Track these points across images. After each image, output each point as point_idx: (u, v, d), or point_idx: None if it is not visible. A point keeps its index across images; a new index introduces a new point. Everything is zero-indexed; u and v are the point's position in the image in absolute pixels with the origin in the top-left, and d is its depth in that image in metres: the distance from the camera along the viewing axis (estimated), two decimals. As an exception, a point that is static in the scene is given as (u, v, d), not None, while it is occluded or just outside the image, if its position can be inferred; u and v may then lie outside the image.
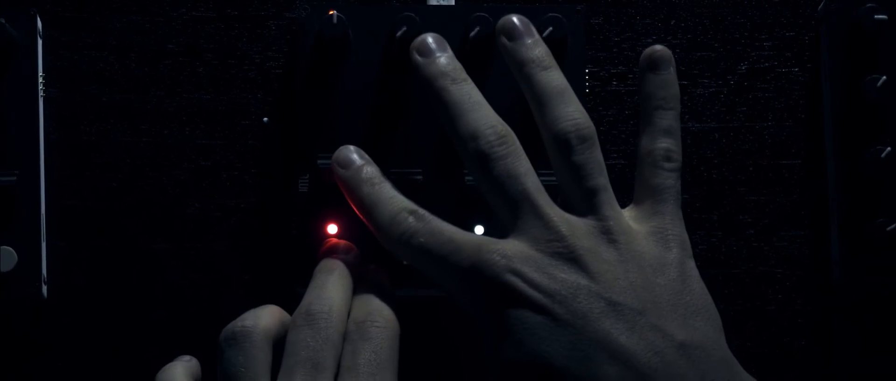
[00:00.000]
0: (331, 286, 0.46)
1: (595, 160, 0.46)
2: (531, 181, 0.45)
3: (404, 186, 0.51)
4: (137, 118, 0.56)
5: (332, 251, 0.49)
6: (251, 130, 0.56)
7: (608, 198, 0.45)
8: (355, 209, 0.48)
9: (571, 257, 0.43)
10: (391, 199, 0.47)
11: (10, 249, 0.52)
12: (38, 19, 0.53)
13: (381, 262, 0.51)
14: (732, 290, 0.56)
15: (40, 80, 0.53)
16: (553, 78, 0.47)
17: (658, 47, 0.49)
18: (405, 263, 0.47)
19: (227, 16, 0.56)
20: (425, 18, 0.52)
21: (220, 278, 0.56)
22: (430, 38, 0.48)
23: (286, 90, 0.56)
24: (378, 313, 0.45)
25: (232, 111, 0.56)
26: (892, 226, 0.52)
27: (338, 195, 0.51)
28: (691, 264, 0.46)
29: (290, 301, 0.49)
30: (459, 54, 0.52)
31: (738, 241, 0.57)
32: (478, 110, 0.46)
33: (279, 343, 0.45)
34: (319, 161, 0.51)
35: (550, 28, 0.52)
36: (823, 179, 0.56)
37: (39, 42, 0.53)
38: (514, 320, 0.43)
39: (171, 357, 0.48)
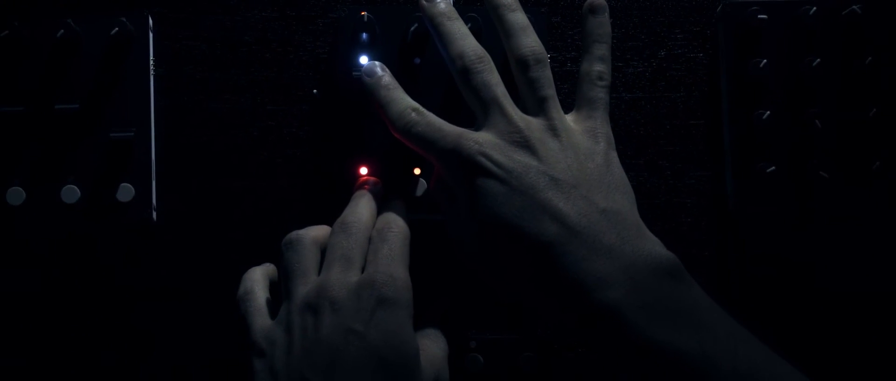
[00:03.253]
0: (361, 206, 0.52)
1: (546, 76, 0.51)
2: (500, 90, 0.51)
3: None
4: (222, 90, 0.62)
5: (364, 184, 0.55)
6: (305, 99, 0.62)
7: (555, 104, 0.51)
8: (375, 107, 0.53)
9: (526, 145, 0.49)
10: (401, 99, 0.52)
11: (130, 185, 0.59)
12: (150, 19, 0.60)
13: (398, 193, 0.57)
14: (655, 215, 0.62)
15: (151, 62, 0.60)
16: (518, 17, 0.53)
17: None
18: (410, 147, 0.52)
19: (287, 15, 0.63)
20: None
21: (282, 207, 0.61)
22: None
23: (330, 69, 0.62)
24: (394, 222, 0.50)
25: (290, 85, 0.62)
26: (771, 168, 0.60)
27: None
28: (614, 154, 0.51)
29: (329, 223, 0.54)
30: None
31: (659, 179, 0.63)
32: (465, 39, 0.52)
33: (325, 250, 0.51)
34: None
35: None
36: (721, 134, 0.62)
37: (150, 35, 0.60)
38: (482, 188, 0.47)
39: (248, 264, 0.56)
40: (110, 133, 0.59)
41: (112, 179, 0.59)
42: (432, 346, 0.49)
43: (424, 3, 0.54)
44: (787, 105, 0.61)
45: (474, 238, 0.48)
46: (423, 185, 0.58)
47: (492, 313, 0.60)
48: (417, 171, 0.59)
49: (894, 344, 0.62)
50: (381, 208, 0.53)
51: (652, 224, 0.58)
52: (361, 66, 0.55)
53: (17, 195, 0.58)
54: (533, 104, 0.51)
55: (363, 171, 0.58)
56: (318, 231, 0.51)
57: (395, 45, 0.60)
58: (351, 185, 0.57)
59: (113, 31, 0.59)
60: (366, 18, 0.58)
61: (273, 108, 0.63)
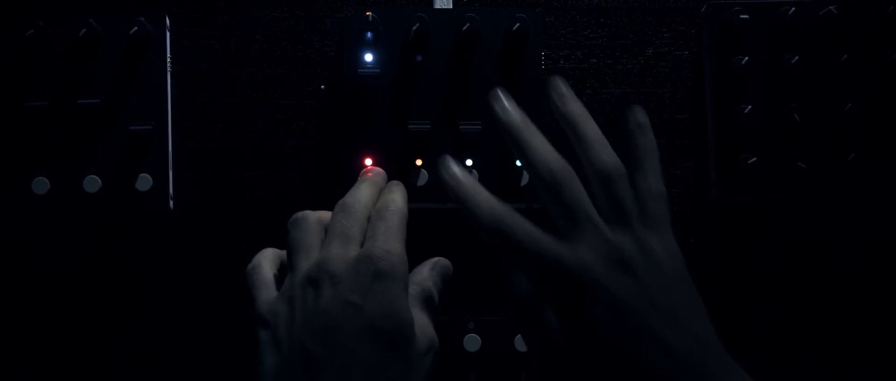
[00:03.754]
0: (361, 189, 0.52)
1: (629, 192, 0.48)
2: (589, 205, 0.47)
3: (416, 135, 0.60)
4: (235, 85, 0.64)
5: (367, 172, 0.56)
6: (313, 95, 0.64)
7: (638, 223, 0.47)
8: (457, 204, 0.48)
9: (623, 265, 0.45)
10: (488, 200, 0.47)
11: (148, 175, 0.60)
12: (167, 18, 0.62)
13: (400, 179, 0.57)
14: None
15: (168, 59, 0.62)
16: (594, 129, 0.49)
17: (640, 114, 0.51)
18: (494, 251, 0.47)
19: (296, 15, 0.64)
20: (431, 18, 0.61)
21: (292, 195, 0.63)
22: (499, 104, 0.49)
23: (337, 66, 0.64)
24: (392, 201, 0.50)
25: (300, 81, 0.64)
26: (752, 159, 0.61)
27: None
28: (687, 273, 0.48)
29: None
30: (454, 44, 0.61)
31: None
32: (549, 152, 0.48)
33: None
34: (359, 70, 0.57)
35: (518, 24, 0.60)
36: (705, 128, 0.63)
37: (167, 34, 0.62)
38: (586, 309, 0.45)
39: (258, 247, 0.55)
40: (130, 126, 0.61)
41: (131, 169, 0.61)
42: (425, 317, 0.49)
43: (499, 114, 0.49)
44: (768, 100, 0.62)
45: (574, 360, 0.46)
46: (424, 175, 0.61)
47: (489, 297, 0.62)
48: (419, 162, 0.61)
49: (871, 327, 0.64)
50: (383, 192, 0.53)
51: None
52: (442, 167, 0.50)
53: (41, 185, 0.60)
54: (615, 219, 0.47)
55: (368, 161, 0.60)
56: (323, 213, 0.52)
57: (398, 44, 0.62)
58: (356, 175, 0.58)
59: (132, 30, 0.61)
60: (370, 18, 0.61)
61: (283, 102, 0.64)
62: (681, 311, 0.45)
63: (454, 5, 0.64)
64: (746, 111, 0.62)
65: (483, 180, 0.57)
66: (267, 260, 0.52)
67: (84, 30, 0.60)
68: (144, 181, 0.61)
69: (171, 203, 0.62)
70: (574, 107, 0.50)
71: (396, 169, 0.60)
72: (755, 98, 0.62)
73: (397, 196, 0.51)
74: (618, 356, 0.44)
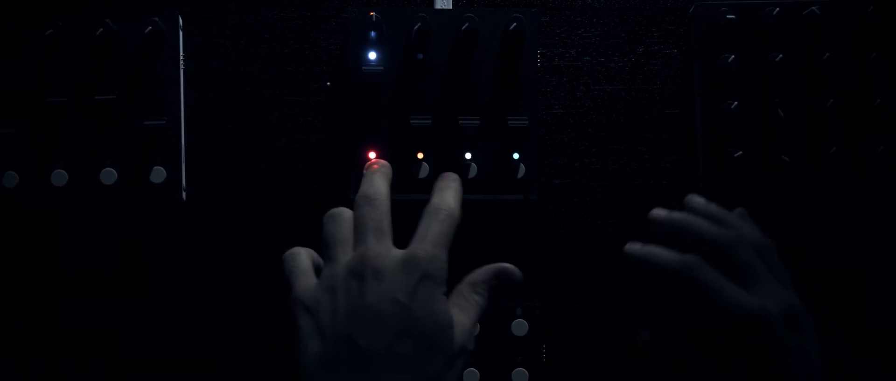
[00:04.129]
0: (377, 180, 0.52)
1: (778, 259, 0.52)
2: (761, 265, 0.51)
3: (418, 129, 0.61)
4: (245, 82, 0.65)
5: (373, 164, 0.55)
6: (319, 91, 0.65)
7: (793, 288, 0.51)
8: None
9: (795, 319, 0.49)
10: (668, 255, 0.50)
11: (162, 168, 0.62)
12: (180, 18, 0.64)
13: (403, 175, 0.59)
14: (634, 195, 0.65)
15: (181, 57, 0.63)
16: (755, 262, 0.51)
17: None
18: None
19: (303, 15, 0.66)
20: (432, 18, 0.62)
21: (299, 187, 0.64)
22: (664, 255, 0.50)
23: (342, 64, 0.65)
24: (446, 204, 0.50)
25: (306, 78, 0.65)
26: (738, 153, 0.62)
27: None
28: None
29: (342, 203, 0.55)
30: (454, 43, 0.62)
31: (638, 163, 0.65)
32: (734, 293, 0.49)
33: None
34: (363, 67, 0.58)
35: (515, 24, 0.61)
36: (693, 122, 0.65)
37: (180, 33, 0.63)
38: (773, 357, 0.48)
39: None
40: (144, 121, 0.62)
41: (146, 162, 0.62)
42: (463, 318, 0.49)
43: (673, 264, 0.50)
44: (753, 96, 0.64)
45: None
46: (425, 168, 0.62)
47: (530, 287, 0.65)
48: (420, 155, 0.63)
49: (854, 314, 0.65)
50: (438, 182, 0.53)
51: (631, 204, 0.65)
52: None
53: (60, 177, 0.62)
54: (780, 279, 0.52)
55: (371, 154, 0.62)
56: (351, 210, 0.52)
57: (400, 43, 0.63)
58: (361, 167, 0.61)
59: (146, 30, 0.62)
60: (374, 18, 0.62)
61: (291, 98, 0.66)
62: (815, 371, 0.49)
63: (454, 6, 0.65)
64: (733, 107, 0.63)
65: (481, 174, 0.62)
66: (304, 250, 0.52)
67: (101, 30, 0.62)
68: (158, 174, 0.62)
69: (184, 195, 0.64)
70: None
71: (399, 162, 0.62)
72: (741, 94, 0.64)
73: (452, 199, 0.51)
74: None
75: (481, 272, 0.51)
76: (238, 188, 0.65)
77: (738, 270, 0.50)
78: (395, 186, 0.58)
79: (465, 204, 0.51)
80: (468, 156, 0.63)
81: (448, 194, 0.51)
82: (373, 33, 0.62)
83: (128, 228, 0.64)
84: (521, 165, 0.62)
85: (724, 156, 0.64)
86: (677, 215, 0.53)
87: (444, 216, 0.50)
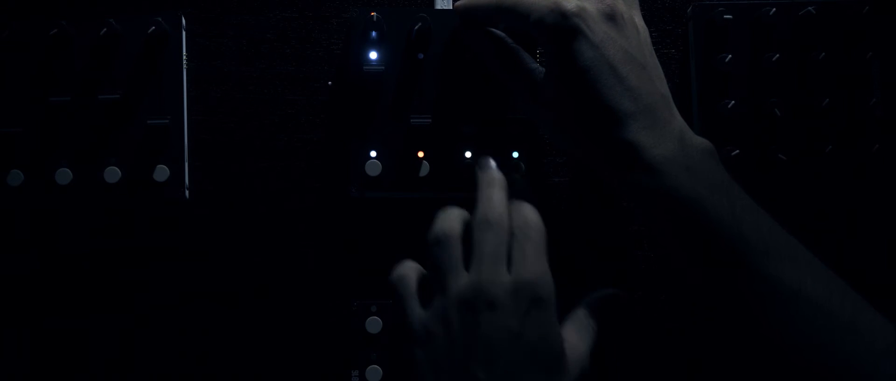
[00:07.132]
0: (497, 200, 0.50)
1: None
2: None
3: (418, 128, 0.61)
4: (246, 81, 0.65)
5: (488, 167, 0.52)
6: (321, 90, 0.65)
7: None
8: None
9: (612, 18, 0.51)
10: None
11: (165, 167, 0.61)
12: (183, 18, 0.63)
13: (407, 174, 0.59)
14: None
15: (184, 57, 0.63)
16: None
17: None
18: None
19: (305, 15, 0.65)
20: (433, 18, 0.62)
21: (301, 185, 0.64)
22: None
23: (343, 63, 0.65)
24: (532, 219, 0.49)
25: (308, 77, 0.65)
26: (736, 152, 0.62)
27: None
28: (651, 47, 0.54)
29: (342, 202, 0.60)
30: (452, 42, 0.62)
31: None
32: None
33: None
34: (364, 66, 0.59)
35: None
36: (691, 121, 0.63)
37: (183, 33, 0.63)
38: (574, 49, 0.50)
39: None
40: (147, 120, 0.62)
41: (149, 161, 0.62)
42: (577, 340, 0.49)
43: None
44: (750, 95, 0.64)
45: (551, 90, 0.52)
46: (426, 166, 0.62)
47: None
48: (420, 154, 0.62)
49: None
50: (514, 205, 0.51)
51: (630, 203, 0.63)
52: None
53: (64, 175, 0.61)
54: None
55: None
56: (458, 224, 0.50)
57: (401, 43, 0.63)
58: (361, 164, 0.61)
59: (150, 30, 0.62)
60: (375, 18, 0.62)
61: (292, 97, 0.66)
62: (648, 67, 0.51)
63: (454, 5, 0.63)
64: (730, 106, 0.63)
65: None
66: (412, 270, 0.50)
67: (104, 29, 0.62)
68: (161, 172, 0.62)
69: (187, 193, 0.63)
70: None
71: (399, 160, 0.62)
72: (738, 94, 0.64)
73: (531, 213, 0.50)
74: (590, 88, 0.49)
75: (597, 297, 0.52)
76: (240, 186, 0.65)
77: None
78: (395, 185, 0.61)
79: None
80: (468, 154, 0.63)
81: (525, 209, 0.50)
82: (374, 33, 0.62)
83: (130, 226, 0.64)
84: (521, 164, 0.62)
85: (721, 154, 0.62)
86: None
87: (535, 232, 0.49)
